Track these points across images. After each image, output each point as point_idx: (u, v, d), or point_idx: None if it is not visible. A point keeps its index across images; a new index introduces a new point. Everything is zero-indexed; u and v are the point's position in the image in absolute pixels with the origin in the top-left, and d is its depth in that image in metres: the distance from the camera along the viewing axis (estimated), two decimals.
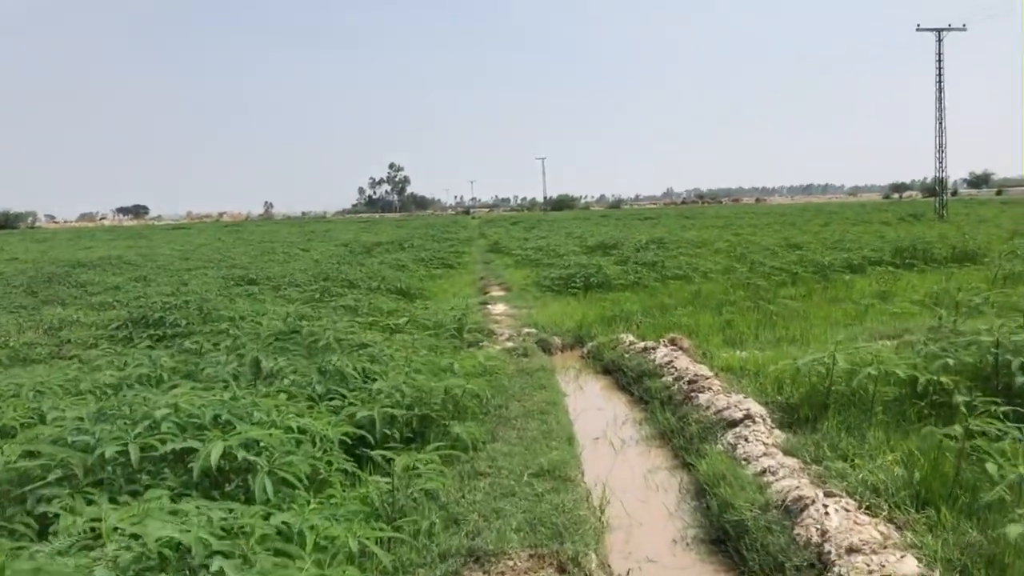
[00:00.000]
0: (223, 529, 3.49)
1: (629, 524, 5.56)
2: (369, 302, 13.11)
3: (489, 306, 15.47)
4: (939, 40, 46.25)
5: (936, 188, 48.99)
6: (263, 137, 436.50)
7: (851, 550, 4.10)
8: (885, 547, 4.09)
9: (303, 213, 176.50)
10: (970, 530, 4.35)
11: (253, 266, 22.25)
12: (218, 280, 17.99)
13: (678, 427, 7.39)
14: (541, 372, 9.48)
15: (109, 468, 4.53)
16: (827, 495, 4.82)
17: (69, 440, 4.68)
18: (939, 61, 46.53)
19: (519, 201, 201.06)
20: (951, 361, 6.50)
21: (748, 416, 6.78)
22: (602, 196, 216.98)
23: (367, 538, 3.97)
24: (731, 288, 14.98)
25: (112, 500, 4.16)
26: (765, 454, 5.96)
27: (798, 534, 4.54)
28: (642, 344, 10.58)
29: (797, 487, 5.06)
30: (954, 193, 75.93)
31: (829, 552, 4.20)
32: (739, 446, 6.29)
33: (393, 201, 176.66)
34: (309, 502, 4.40)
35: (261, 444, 4.65)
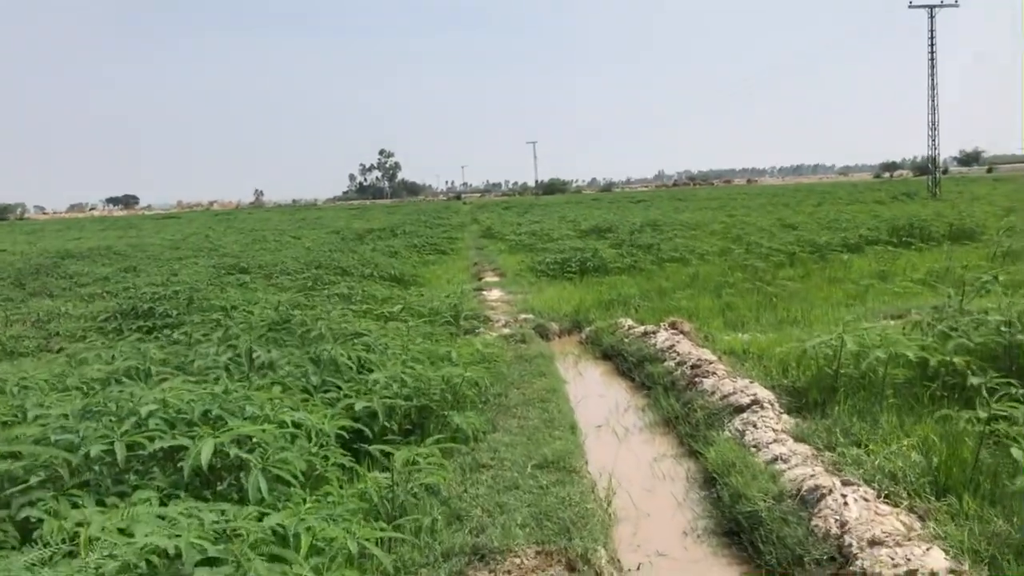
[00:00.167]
0: (215, 532, 3.30)
1: (637, 516, 5.38)
2: (362, 290, 12.89)
3: (484, 292, 15.27)
4: (931, 17, 46.06)
5: (929, 166, 48.93)
6: (253, 125, 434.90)
7: (873, 542, 3.92)
8: (909, 539, 3.91)
9: (294, 201, 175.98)
10: (995, 519, 4.17)
11: (244, 255, 21.95)
12: (209, 269, 17.71)
13: (683, 413, 7.21)
14: (540, 359, 9.29)
15: (95, 468, 4.35)
16: (844, 484, 4.63)
17: (52, 439, 4.47)
18: (932, 38, 46.35)
19: (510, 186, 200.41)
20: (967, 342, 6.31)
21: (756, 401, 6.60)
22: (593, 180, 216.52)
23: (366, 539, 3.77)
24: (729, 270, 14.83)
25: (99, 502, 3.99)
26: (775, 441, 5.78)
27: (816, 525, 4.36)
28: (642, 328, 10.40)
29: (812, 475, 4.87)
30: (945, 171, 75.79)
31: (850, 545, 4.02)
32: (747, 432, 6.11)
33: (384, 188, 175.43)
34: (305, 500, 4.19)
35: (254, 440, 4.46)
